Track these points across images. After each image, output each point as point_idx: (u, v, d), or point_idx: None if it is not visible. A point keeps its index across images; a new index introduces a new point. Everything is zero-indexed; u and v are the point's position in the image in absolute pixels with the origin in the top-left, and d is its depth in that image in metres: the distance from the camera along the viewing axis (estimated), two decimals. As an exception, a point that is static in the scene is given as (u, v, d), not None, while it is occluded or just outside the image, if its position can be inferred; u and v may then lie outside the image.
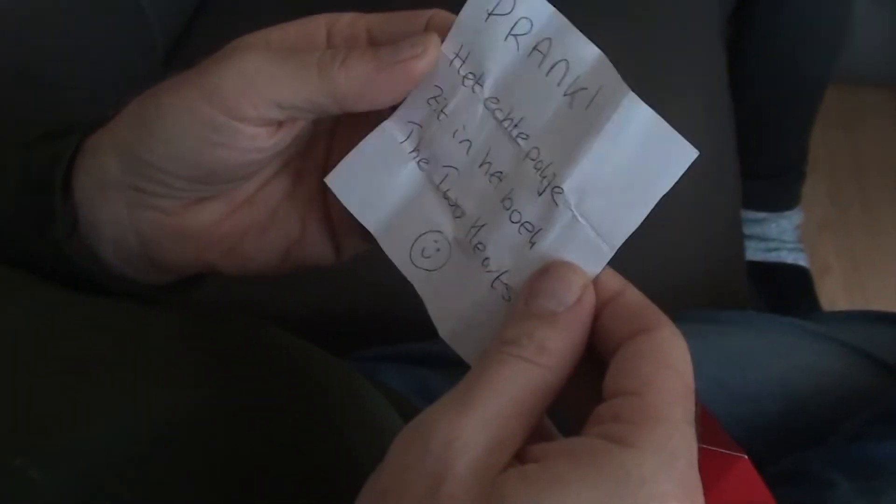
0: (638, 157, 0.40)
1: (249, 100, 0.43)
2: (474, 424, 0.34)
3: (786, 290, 1.72)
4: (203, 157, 0.45)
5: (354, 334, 0.83)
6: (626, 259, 0.95)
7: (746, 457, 0.55)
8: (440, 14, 0.46)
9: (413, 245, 0.45)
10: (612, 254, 0.40)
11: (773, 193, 1.72)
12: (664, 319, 0.37)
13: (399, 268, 0.45)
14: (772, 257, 1.73)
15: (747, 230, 1.74)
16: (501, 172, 0.43)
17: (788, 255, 1.73)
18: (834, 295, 1.80)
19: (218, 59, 0.45)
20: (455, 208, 0.45)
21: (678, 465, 0.33)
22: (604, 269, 0.40)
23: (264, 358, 0.53)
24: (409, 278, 0.45)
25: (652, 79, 1.12)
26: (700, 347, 0.82)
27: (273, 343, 0.55)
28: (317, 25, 0.47)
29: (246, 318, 0.56)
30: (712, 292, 1.02)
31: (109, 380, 0.45)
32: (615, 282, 0.39)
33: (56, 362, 0.45)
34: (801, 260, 1.75)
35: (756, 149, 1.61)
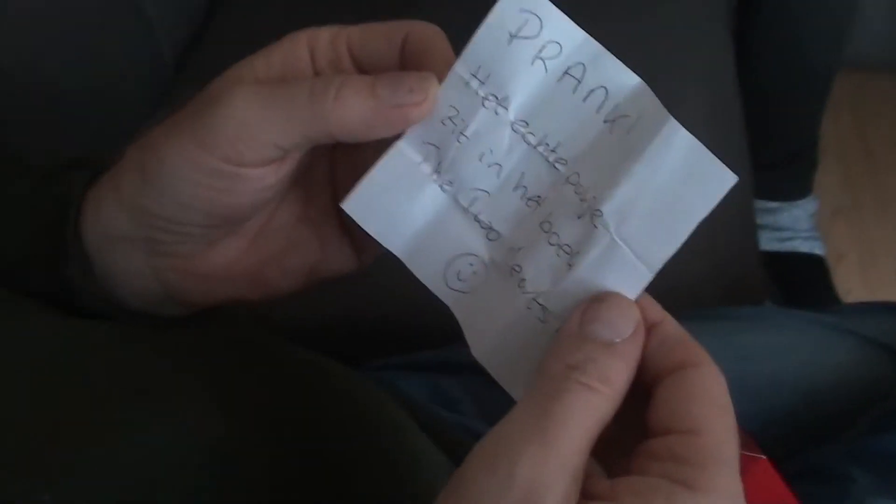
0: (677, 182, 0.40)
1: (247, 145, 0.42)
2: (555, 464, 0.35)
3: (801, 280, 1.72)
4: (214, 205, 0.44)
5: (369, 344, 0.83)
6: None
7: (766, 458, 0.55)
8: (418, 30, 0.45)
9: (447, 268, 0.45)
10: (652, 277, 0.40)
11: (785, 182, 1.71)
12: (705, 354, 0.39)
13: (432, 290, 0.45)
14: (786, 247, 1.73)
15: (760, 220, 1.73)
16: (539, 197, 0.43)
17: (803, 243, 1.73)
18: (849, 282, 1.79)
19: (208, 103, 0.43)
20: (489, 231, 0.44)
21: None
22: (644, 295, 0.40)
23: (286, 376, 0.53)
24: (444, 300, 0.45)
25: (659, 71, 1.11)
26: (715, 344, 0.80)
27: (291, 360, 0.55)
28: (299, 47, 0.45)
29: (264, 336, 0.56)
30: (727, 287, 1.02)
31: (130, 410, 0.45)
32: (655, 311, 0.40)
33: (77, 392, 0.45)
34: (817, 248, 1.74)
35: (767, 138, 1.61)
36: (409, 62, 0.45)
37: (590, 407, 0.36)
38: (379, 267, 0.51)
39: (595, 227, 0.41)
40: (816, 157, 1.72)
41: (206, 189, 0.44)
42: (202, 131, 0.43)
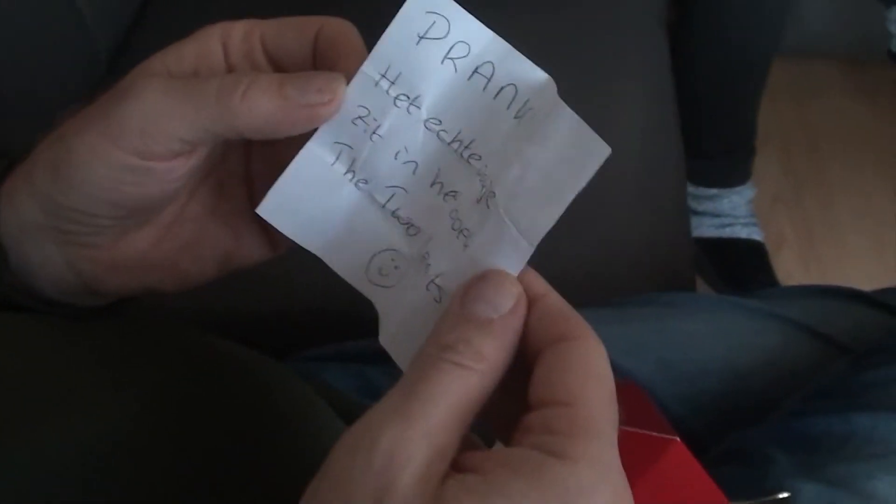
0: (559, 158, 0.41)
1: (154, 139, 0.43)
2: (416, 437, 0.35)
3: (740, 265, 1.74)
4: (122, 197, 0.45)
5: (296, 335, 0.83)
6: (574, 245, 0.95)
7: (679, 439, 0.56)
8: (330, 25, 0.45)
9: (369, 264, 0.46)
10: (532, 250, 0.41)
11: (724, 169, 1.73)
12: (585, 327, 0.39)
13: (355, 286, 0.46)
14: (725, 233, 1.75)
15: (700, 207, 1.75)
16: (456, 192, 0.44)
17: (742, 229, 1.75)
18: (790, 267, 1.82)
19: (118, 96, 0.44)
20: (409, 227, 0.45)
21: (612, 476, 0.35)
22: (527, 270, 0.41)
23: (200, 369, 0.53)
24: (367, 296, 0.46)
25: (593, 64, 1.12)
26: (644, 330, 0.83)
27: (209, 352, 0.55)
28: (212, 41, 0.46)
29: (181, 327, 0.56)
30: (659, 274, 1.03)
31: (35, 402, 0.45)
32: (538, 285, 0.40)
33: None
34: (755, 234, 1.77)
35: (704, 127, 1.63)
36: (322, 58, 0.45)
37: (459, 384, 0.36)
38: (308, 256, 0.52)
39: (488, 208, 0.42)
40: (754, 144, 1.74)
41: (115, 181, 0.44)
42: (110, 124, 0.43)
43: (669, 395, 0.79)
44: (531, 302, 0.40)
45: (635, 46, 1.18)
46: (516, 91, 0.43)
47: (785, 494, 0.64)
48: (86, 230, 0.46)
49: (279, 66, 0.47)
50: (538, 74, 0.43)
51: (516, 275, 0.40)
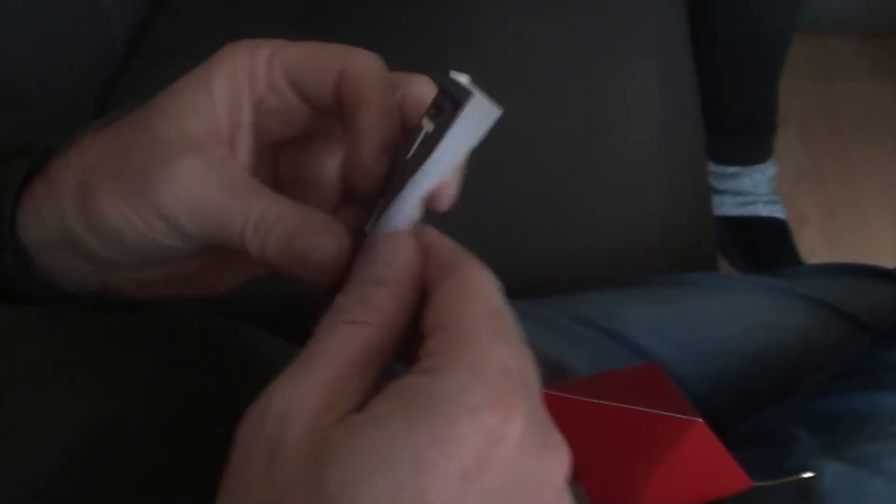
0: (465, 132, 0.41)
1: (175, 228, 0.43)
2: (304, 393, 0.35)
3: (763, 244, 1.73)
4: (148, 254, 0.45)
5: (312, 318, 0.83)
6: (594, 224, 0.94)
7: (701, 420, 0.56)
8: (354, 66, 0.45)
9: None
10: (420, 203, 0.42)
11: (745, 147, 1.72)
12: (467, 257, 0.40)
13: None
14: (747, 211, 1.74)
15: (721, 185, 1.75)
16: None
17: (763, 207, 1.74)
18: (813, 244, 1.81)
19: (150, 170, 0.43)
20: None
21: (487, 376, 0.34)
22: (421, 226, 0.42)
23: (215, 355, 0.54)
24: None
25: (609, 38, 1.12)
26: (665, 311, 0.83)
27: (225, 337, 0.56)
28: (239, 77, 0.45)
29: (198, 312, 0.56)
30: (681, 254, 1.03)
31: (36, 390, 0.46)
32: (430, 236, 0.41)
33: None
34: (777, 212, 1.76)
35: (725, 103, 1.62)
36: (344, 104, 0.45)
37: (351, 338, 0.37)
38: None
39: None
40: (776, 121, 1.73)
41: (143, 242, 0.44)
42: (136, 198, 0.43)
43: (690, 374, 0.79)
44: (425, 252, 0.41)
45: (654, 22, 1.18)
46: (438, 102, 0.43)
47: (809, 474, 0.63)
48: (113, 265, 0.47)
49: (304, 95, 0.46)
50: (455, 77, 0.42)
51: (406, 231, 0.41)
